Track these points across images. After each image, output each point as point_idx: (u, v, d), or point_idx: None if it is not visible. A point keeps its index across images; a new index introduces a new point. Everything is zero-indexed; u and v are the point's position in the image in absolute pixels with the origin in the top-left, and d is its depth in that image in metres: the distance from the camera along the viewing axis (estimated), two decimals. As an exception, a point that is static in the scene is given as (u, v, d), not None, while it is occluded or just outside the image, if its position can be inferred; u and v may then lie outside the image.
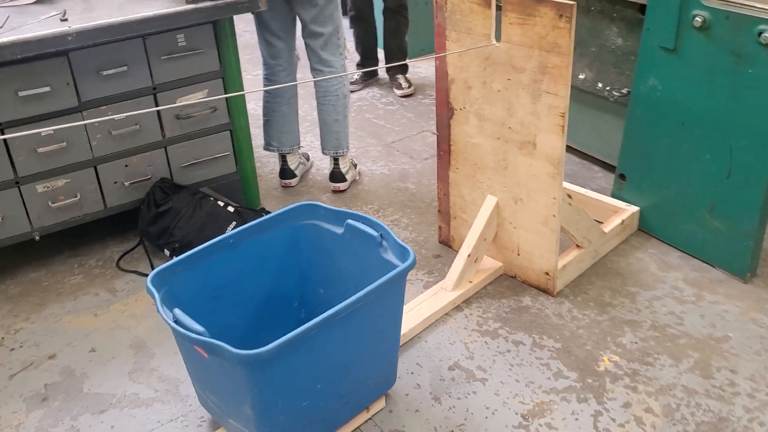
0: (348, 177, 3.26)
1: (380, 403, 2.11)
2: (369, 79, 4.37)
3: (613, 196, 2.92)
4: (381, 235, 2.02)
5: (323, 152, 3.28)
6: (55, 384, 2.26)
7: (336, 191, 3.26)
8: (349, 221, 2.09)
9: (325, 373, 1.84)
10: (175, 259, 1.98)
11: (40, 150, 2.55)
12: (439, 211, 2.78)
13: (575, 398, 2.12)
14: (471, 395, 2.14)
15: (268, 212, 2.98)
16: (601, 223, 2.79)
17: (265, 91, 3.16)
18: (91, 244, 2.93)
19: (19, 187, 2.58)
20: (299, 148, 3.33)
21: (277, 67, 3.14)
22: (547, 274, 2.51)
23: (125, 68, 2.60)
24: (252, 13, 2.79)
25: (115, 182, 2.76)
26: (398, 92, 4.22)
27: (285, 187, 3.33)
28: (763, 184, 2.36)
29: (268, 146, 3.29)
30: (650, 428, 2.01)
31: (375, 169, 3.45)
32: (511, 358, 2.28)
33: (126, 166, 2.76)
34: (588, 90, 3.16)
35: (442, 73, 2.50)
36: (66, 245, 2.92)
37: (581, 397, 2.12)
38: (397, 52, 4.18)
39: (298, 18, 3.08)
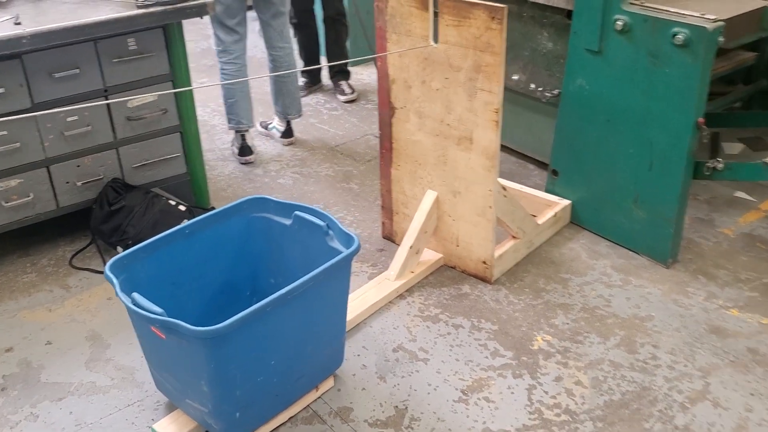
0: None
1: (329, 383, 2.23)
2: (313, 86, 4.50)
3: (547, 191, 3.11)
4: (327, 225, 2.15)
5: (286, 117, 3.79)
6: (13, 375, 2.31)
7: (289, 144, 3.84)
8: (297, 212, 2.22)
9: (278, 350, 1.95)
10: (134, 247, 2.07)
11: (-8, 150, 2.61)
12: (382, 207, 2.93)
13: (511, 374, 2.27)
14: (414, 374, 2.28)
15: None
16: (535, 216, 2.97)
17: (228, 75, 3.47)
18: (41, 244, 2.98)
19: (-29, 187, 2.63)
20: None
21: (239, 50, 3.47)
22: (484, 263, 2.67)
23: (77, 71, 2.67)
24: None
25: (68, 182, 2.82)
26: (342, 98, 4.36)
27: (245, 164, 3.65)
28: (680, 174, 2.58)
29: (238, 125, 3.59)
30: (579, 399, 2.18)
31: (320, 171, 3.58)
32: (451, 340, 2.42)
33: (78, 166, 2.82)
34: (522, 91, 3.35)
35: (383, 74, 2.65)
36: (15, 245, 2.96)
37: (516, 373, 2.28)
38: (339, 59, 4.33)
39: (256, 2, 3.49)
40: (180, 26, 2.85)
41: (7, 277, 2.80)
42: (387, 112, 2.71)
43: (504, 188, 2.61)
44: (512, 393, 2.21)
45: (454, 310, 2.56)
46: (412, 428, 2.09)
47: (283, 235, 2.28)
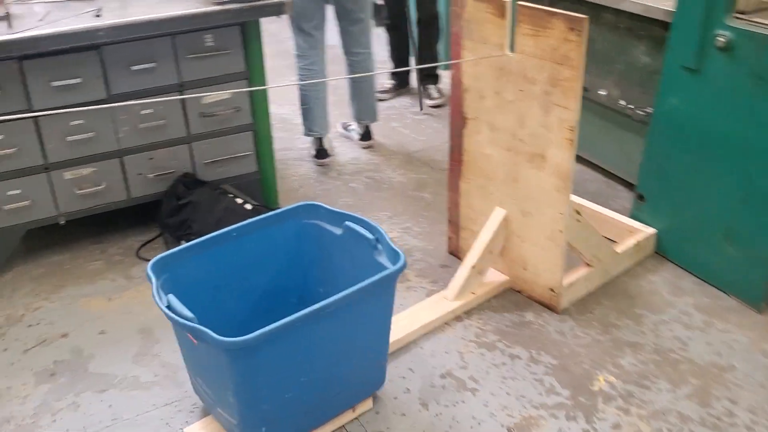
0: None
1: (367, 404, 2.13)
2: (401, 88, 4.41)
3: (632, 216, 2.87)
4: (376, 239, 2.05)
5: (359, 122, 3.74)
6: (64, 361, 2.35)
7: (368, 147, 3.78)
8: (348, 223, 2.13)
9: (309, 367, 1.87)
10: (179, 247, 2.04)
11: (69, 138, 2.67)
12: (449, 221, 2.79)
13: (564, 415, 2.09)
14: (459, 404, 2.14)
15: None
16: (616, 243, 2.75)
17: (302, 80, 3.46)
18: (113, 233, 3.03)
19: (48, 173, 2.70)
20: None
21: (315, 56, 3.42)
22: (552, 290, 2.49)
23: (154, 65, 2.70)
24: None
25: (140, 174, 2.86)
26: (428, 102, 4.25)
27: (321, 165, 3.62)
28: (779, 210, 2.30)
29: (309, 132, 3.56)
30: (638, 451, 1.98)
31: (394, 177, 3.48)
32: (505, 371, 2.26)
33: (151, 158, 2.85)
34: (613, 107, 3.13)
35: (456, 82, 2.51)
36: (90, 232, 3.04)
37: (571, 414, 2.10)
38: (429, 63, 4.21)
39: (335, 8, 3.44)
40: (257, 24, 2.82)
41: (76, 263, 2.86)
42: (459, 122, 2.57)
43: (578, 212, 2.42)
44: (563, 437, 2.03)
45: (514, 338, 2.40)
46: (447, 463, 1.96)
47: (333, 244, 2.20)
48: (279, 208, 3.06)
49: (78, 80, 2.58)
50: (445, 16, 4.28)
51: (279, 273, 2.26)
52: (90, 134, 2.69)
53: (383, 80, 4.43)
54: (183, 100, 2.80)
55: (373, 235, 2.06)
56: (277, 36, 5.31)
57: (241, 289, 2.20)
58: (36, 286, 2.73)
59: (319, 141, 3.59)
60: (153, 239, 2.97)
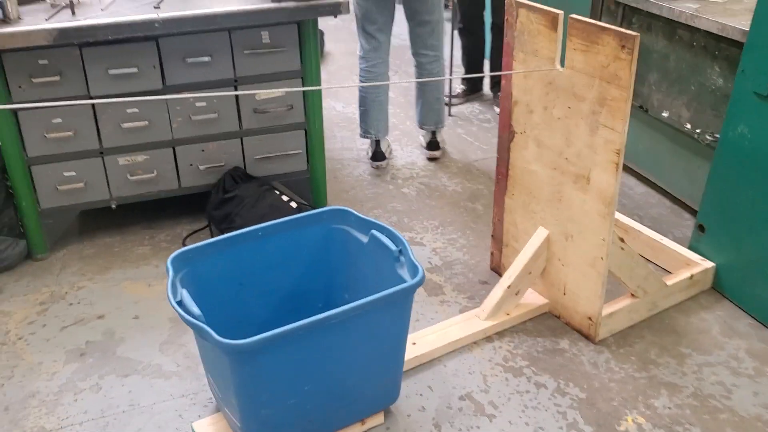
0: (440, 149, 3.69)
1: (378, 418, 2.07)
2: (471, 93, 4.31)
3: (690, 247, 2.69)
4: (399, 251, 1.99)
5: (422, 127, 3.63)
6: (95, 342, 2.41)
7: (432, 159, 3.65)
8: (374, 231, 2.08)
9: (314, 376, 1.84)
10: (203, 242, 2.05)
11: (124, 125, 2.74)
12: (492, 236, 2.70)
13: (583, 454, 1.98)
14: (474, 429, 2.06)
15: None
16: (669, 273, 2.58)
17: (363, 82, 3.45)
18: (165, 219, 3.10)
19: (102, 158, 2.79)
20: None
21: (377, 59, 3.38)
22: (590, 318, 2.36)
23: (209, 58, 2.73)
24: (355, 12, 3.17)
25: (191, 165, 2.91)
26: (497, 109, 4.14)
27: (376, 168, 3.59)
28: None
29: (366, 134, 3.54)
30: (657, 502, 1.84)
31: (449, 185, 3.40)
32: (527, 400, 2.16)
33: (202, 150, 2.89)
34: (680, 129, 2.94)
35: (506, 94, 2.42)
36: (144, 216, 3.11)
37: (590, 454, 1.98)
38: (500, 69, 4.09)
39: (404, 8, 3.38)
40: (315, 23, 2.81)
41: (125, 246, 2.94)
42: (506, 135, 2.47)
43: (622, 239, 2.28)
44: (577, 477, 1.92)
45: (543, 365, 2.29)
46: (450, 490, 1.89)
47: (360, 251, 2.16)
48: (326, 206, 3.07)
49: (134, 69, 2.64)
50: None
51: (304, 275, 2.23)
52: (144, 123, 2.75)
53: (455, 84, 4.35)
54: (237, 95, 2.83)
55: (397, 246, 2.01)
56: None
57: (266, 289, 2.19)
58: (83, 265, 2.83)
59: (376, 143, 3.55)
60: (201, 229, 3.01)
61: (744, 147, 2.38)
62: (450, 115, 4.12)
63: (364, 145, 3.78)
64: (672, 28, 2.85)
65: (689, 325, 2.46)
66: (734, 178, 2.44)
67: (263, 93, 2.85)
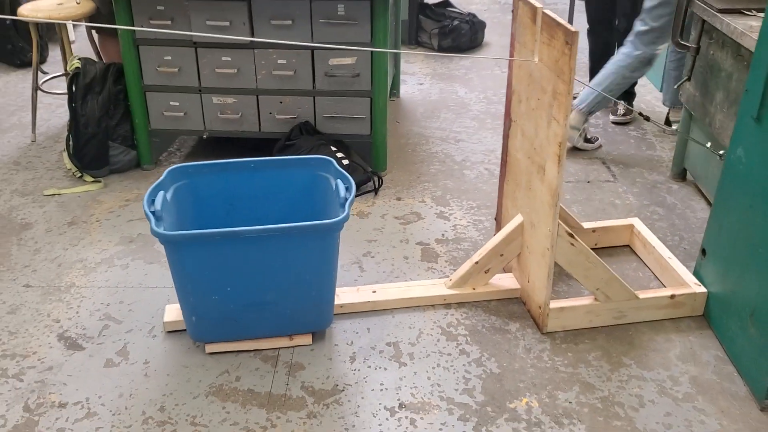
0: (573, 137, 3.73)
1: (306, 339, 2.38)
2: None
3: (694, 271, 2.59)
4: (345, 198, 2.27)
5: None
6: (144, 235, 2.98)
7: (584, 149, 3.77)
8: (338, 180, 2.37)
9: (235, 280, 2.20)
10: (201, 162, 2.50)
11: (218, 70, 3.28)
12: (495, 219, 2.82)
13: (459, 416, 2.11)
14: (380, 369, 2.28)
15: (379, 178, 3.34)
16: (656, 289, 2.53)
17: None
18: (240, 156, 3.60)
19: (200, 94, 3.36)
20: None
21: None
22: (539, 307, 2.43)
23: (290, 22, 3.16)
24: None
25: (270, 113, 3.38)
26: (612, 117, 4.07)
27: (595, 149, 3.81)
28: (788, 296, 1.96)
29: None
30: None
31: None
32: (443, 361, 2.32)
33: (280, 102, 3.35)
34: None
35: (509, 83, 2.54)
36: (225, 151, 3.62)
37: (465, 417, 2.11)
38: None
39: None
40: (386, 3, 3.10)
41: (211, 172, 3.51)
42: (507, 123, 2.60)
43: (572, 236, 2.32)
44: (441, 429, 2.06)
45: (479, 338, 2.42)
46: (327, 406, 2.14)
47: (330, 194, 2.45)
48: (373, 171, 3.38)
49: (227, 23, 3.16)
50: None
51: (288, 209, 2.57)
52: (234, 70, 3.28)
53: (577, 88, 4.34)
54: (312, 58, 3.23)
55: (348, 195, 2.29)
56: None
57: (253, 216, 2.56)
58: (174, 180, 3.44)
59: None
60: (273, 170, 3.48)
61: (739, 171, 2.27)
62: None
63: (460, 128, 3.98)
64: (737, 48, 2.71)
65: (651, 342, 2.41)
66: (729, 201, 2.33)
67: (335, 59, 3.22)
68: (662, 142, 3.84)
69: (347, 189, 2.31)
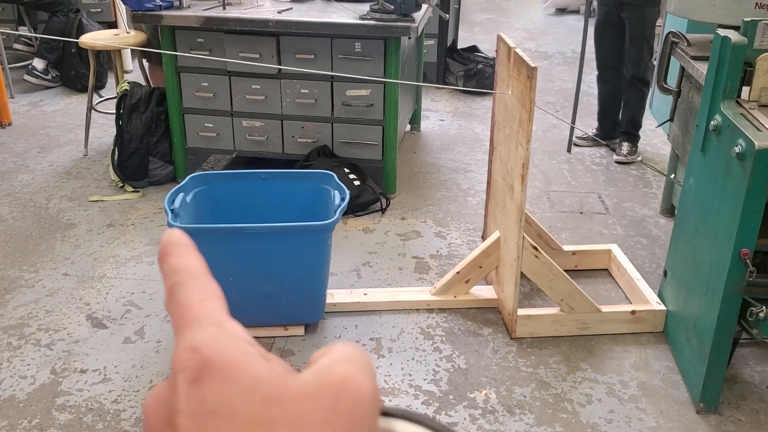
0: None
1: (299, 330, 2.70)
2: (604, 139, 4.48)
3: (658, 291, 2.82)
4: (338, 206, 2.60)
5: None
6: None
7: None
8: (335, 191, 2.71)
9: (237, 271, 2.53)
10: (220, 171, 2.87)
11: (248, 97, 3.69)
12: (482, 238, 3.10)
13: (424, 399, 2.39)
14: (359, 359, 2.57)
15: (387, 200, 3.66)
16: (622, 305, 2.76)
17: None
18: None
19: (231, 118, 3.77)
20: None
21: None
22: (509, 314, 2.69)
23: (313, 56, 3.55)
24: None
25: (293, 136, 3.76)
26: (615, 157, 4.32)
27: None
28: (716, 307, 2.19)
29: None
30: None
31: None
32: (418, 355, 2.60)
33: (302, 127, 3.73)
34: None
35: (493, 113, 2.85)
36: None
37: (428, 402, 2.38)
38: (625, 122, 4.28)
39: None
40: (398, 41, 3.47)
41: (238, 188, 3.89)
42: (491, 149, 2.90)
43: (536, 248, 2.59)
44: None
45: (453, 339, 2.69)
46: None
47: (331, 205, 2.79)
48: (392, 193, 3.71)
49: (257, 55, 3.57)
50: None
51: (296, 216, 2.91)
52: (262, 97, 3.67)
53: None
54: (331, 89, 3.61)
55: (341, 203, 2.62)
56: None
57: (263, 220, 2.90)
58: (204, 194, 3.83)
59: None
60: (293, 189, 3.85)
61: (689, 198, 2.52)
62: (568, 152, 4.42)
63: (471, 161, 4.29)
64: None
65: (609, 351, 2.65)
66: (683, 226, 2.58)
67: (352, 91, 3.59)
68: (659, 182, 4.07)
69: (342, 198, 2.64)
